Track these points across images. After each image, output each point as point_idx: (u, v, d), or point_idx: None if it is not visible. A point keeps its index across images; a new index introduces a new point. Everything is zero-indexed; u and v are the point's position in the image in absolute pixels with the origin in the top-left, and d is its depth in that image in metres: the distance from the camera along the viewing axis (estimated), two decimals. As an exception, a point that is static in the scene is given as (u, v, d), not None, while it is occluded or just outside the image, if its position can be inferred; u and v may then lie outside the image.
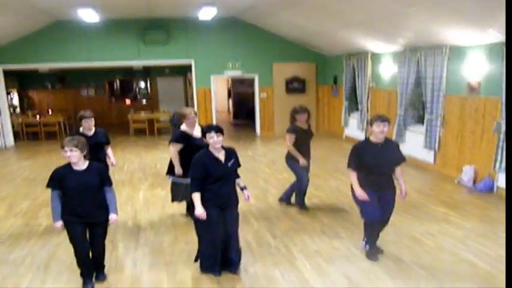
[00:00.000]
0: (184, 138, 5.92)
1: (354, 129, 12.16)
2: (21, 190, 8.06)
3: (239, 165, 4.63)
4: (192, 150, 5.30)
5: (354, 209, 5.95)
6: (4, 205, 7.29)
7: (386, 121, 4.53)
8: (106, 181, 4.31)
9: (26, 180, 8.67)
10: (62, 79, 18.38)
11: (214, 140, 4.29)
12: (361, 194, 4.59)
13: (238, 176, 4.74)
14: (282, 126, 13.79)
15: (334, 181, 8.16)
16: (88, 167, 4.19)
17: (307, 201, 6.70)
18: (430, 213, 6.33)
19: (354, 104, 12.36)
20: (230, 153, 4.52)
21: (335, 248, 5.24)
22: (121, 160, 10.41)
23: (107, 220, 4.31)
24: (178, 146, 5.88)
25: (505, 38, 6.21)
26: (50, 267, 4.86)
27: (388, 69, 10.38)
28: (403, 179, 4.84)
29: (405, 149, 9.46)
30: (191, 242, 5.43)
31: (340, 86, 12.85)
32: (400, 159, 4.77)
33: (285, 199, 6.90)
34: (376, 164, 4.58)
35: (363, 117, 11.48)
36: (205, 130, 4.43)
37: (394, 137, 9.47)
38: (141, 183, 8.51)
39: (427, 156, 8.92)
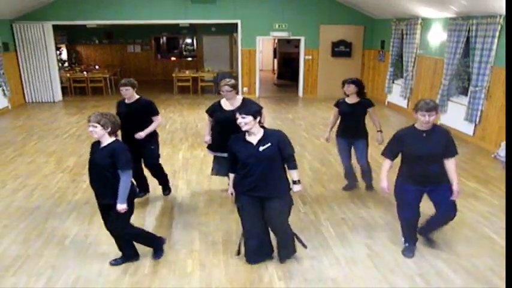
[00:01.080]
0: (212, 111, 5.53)
1: (396, 97, 12.03)
2: (68, 146, 8.42)
3: (288, 153, 4.04)
4: (221, 124, 5.34)
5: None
6: (52, 160, 7.70)
7: (434, 110, 3.99)
8: (118, 164, 3.87)
9: (73, 137, 9.02)
10: (109, 35, 18.75)
11: (239, 121, 3.89)
12: (384, 186, 4.33)
13: (290, 166, 4.15)
14: (325, 89, 13.92)
15: (370, 149, 8.22)
16: (106, 145, 3.93)
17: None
18: (460, 188, 6.36)
19: (399, 70, 12.17)
20: (268, 136, 3.96)
21: (361, 217, 5.43)
22: (164, 119, 10.63)
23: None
24: (207, 118, 5.66)
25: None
26: (93, 222, 5.27)
27: (437, 37, 10.13)
28: (456, 174, 4.25)
29: (446, 119, 9.42)
30: (225, 204, 5.77)
31: (387, 51, 12.64)
32: (451, 151, 4.17)
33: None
34: (420, 154, 4.09)
35: (407, 84, 11.32)
36: (235, 110, 4.33)
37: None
38: (182, 143, 8.83)
39: (467, 129, 8.81)
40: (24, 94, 13.35)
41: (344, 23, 13.67)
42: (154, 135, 5.77)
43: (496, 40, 7.91)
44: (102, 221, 4.30)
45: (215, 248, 4.70)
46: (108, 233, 4.30)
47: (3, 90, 11.81)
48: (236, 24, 13.81)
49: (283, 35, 13.83)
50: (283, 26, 13.67)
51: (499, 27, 7.82)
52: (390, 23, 12.21)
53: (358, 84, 5.84)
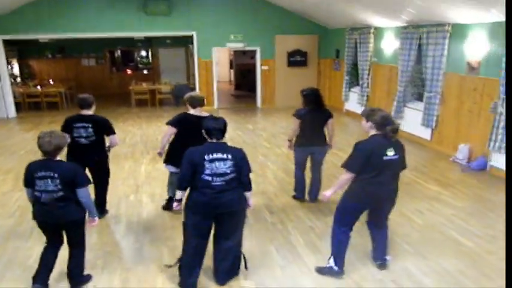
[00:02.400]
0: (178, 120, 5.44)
1: (354, 104, 12.23)
2: (26, 163, 8.01)
3: (245, 172, 3.95)
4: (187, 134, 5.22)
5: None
6: (10, 178, 7.39)
7: (363, 116, 4.07)
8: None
9: (30, 153, 8.71)
10: (62, 49, 18.21)
11: None
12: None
13: (245, 188, 4.01)
14: (283, 99, 13.99)
15: (331, 156, 8.28)
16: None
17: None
18: (421, 191, 6.51)
19: (355, 78, 12.40)
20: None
21: (328, 225, 5.41)
22: (123, 133, 10.55)
23: None
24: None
25: (505, 19, 6.21)
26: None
27: (390, 45, 10.40)
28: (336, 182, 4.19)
29: (403, 125, 9.62)
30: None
31: (342, 60, 12.86)
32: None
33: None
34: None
35: (363, 92, 11.54)
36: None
37: (393, 114, 9.57)
38: (143, 156, 8.65)
39: (425, 134, 9.04)
40: (-24, 111, 12.70)
41: (299, 33, 13.82)
42: None
43: (446, 47, 8.19)
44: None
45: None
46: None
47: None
48: (191, 36, 13.71)
49: (239, 45, 13.84)
50: (238, 36, 13.68)
51: (448, 34, 8.11)
52: (344, 32, 12.44)
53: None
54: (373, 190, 3.96)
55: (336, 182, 4.20)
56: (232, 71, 20.44)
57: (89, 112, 5.38)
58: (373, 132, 3.96)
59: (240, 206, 3.98)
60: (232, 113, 13.34)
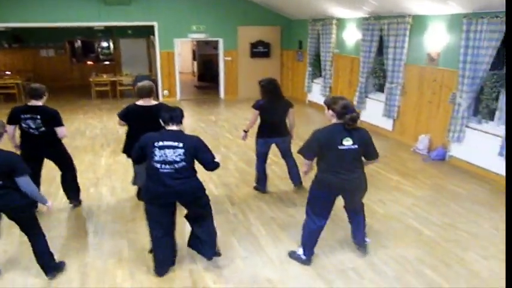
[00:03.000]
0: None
1: (316, 95, 12.25)
2: None
3: (205, 160, 3.88)
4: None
5: (310, 177, 6.08)
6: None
7: (325, 104, 4.07)
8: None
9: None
10: (18, 38, 17.48)
11: None
12: None
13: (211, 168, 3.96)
14: (246, 90, 13.89)
15: (293, 147, 8.24)
16: None
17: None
18: (383, 181, 6.55)
19: (317, 69, 12.40)
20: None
21: (290, 216, 5.39)
22: (83, 125, 10.31)
23: None
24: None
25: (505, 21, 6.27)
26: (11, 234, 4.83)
27: (352, 36, 10.42)
28: None
29: (365, 116, 9.69)
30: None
31: (305, 51, 12.85)
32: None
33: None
34: None
35: (326, 83, 11.56)
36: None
37: (355, 104, 9.61)
38: (103, 149, 8.39)
39: (387, 124, 9.13)
40: None
41: (261, 24, 13.72)
42: None
43: (407, 39, 8.26)
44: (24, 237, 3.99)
45: (145, 255, 4.42)
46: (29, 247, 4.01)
47: None
48: (153, 27, 13.40)
49: (201, 36, 13.64)
50: (200, 27, 13.46)
51: (409, 26, 8.18)
52: (306, 23, 12.42)
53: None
54: (331, 179, 3.93)
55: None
56: (195, 62, 20.13)
57: (39, 103, 5.12)
58: (334, 120, 3.92)
59: (194, 196, 3.90)
60: (195, 105, 13.15)
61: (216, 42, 14.12)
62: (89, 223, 5.24)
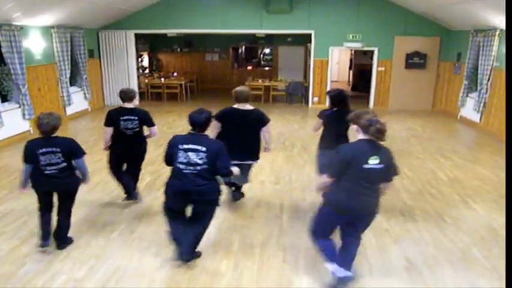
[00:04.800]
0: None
1: (469, 110, 11.48)
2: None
3: (220, 165, 4.07)
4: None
5: (441, 193, 5.91)
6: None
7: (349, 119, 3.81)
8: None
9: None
10: (189, 43, 19.41)
11: None
12: None
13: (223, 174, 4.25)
14: (397, 101, 13.56)
15: (431, 163, 7.94)
16: None
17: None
18: None
19: (474, 84, 11.59)
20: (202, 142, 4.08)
21: (406, 230, 5.29)
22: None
23: None
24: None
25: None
26: (143, 218, 5.62)
27: None
28: None
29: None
30: (272, 207, 5.92)
31: (463, 63, 12.10)
32: None
33: None
34: None
35: (481, 98, 10.77)
36: None
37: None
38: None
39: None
40: (103, 98, 14.31)
41: (419, 34, 13.30)
42: None
43: None
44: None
45: (252, 250, 4.78)
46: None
47: (84, 93, 12.73)
48: (310, 35, 13.86)
49: (357, 45, 13.68)
50: (356, 36, 13.54)
51: None
52: (467, 34, 11.69)
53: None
54: (344, 198, 3.66)
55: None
56: (351, 71, 20.13)
57: (131, 105, 5.58)
58: (360, 136, 3.68)
59: (210, 197, 4.14)
60: (342, 114, 13.21)
61: (372, 52, 14.04)
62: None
